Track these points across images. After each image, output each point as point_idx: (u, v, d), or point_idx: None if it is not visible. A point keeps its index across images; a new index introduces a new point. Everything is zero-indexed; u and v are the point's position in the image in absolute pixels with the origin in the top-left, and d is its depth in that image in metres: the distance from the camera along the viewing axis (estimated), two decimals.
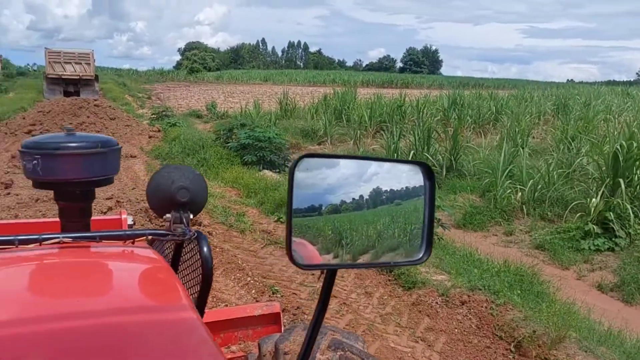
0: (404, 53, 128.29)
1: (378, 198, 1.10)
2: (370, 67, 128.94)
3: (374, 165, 1.14)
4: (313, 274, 5.41)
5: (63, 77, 26.02)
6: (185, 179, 1.48)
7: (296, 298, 4.85)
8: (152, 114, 21.52)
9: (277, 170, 10.72)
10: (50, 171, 1.44)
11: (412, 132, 13.86)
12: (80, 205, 1.54)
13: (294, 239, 0.99)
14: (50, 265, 1.28)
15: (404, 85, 56.84)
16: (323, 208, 1.04)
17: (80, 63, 26.35)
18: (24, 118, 17.79)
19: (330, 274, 1.09)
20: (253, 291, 4.89)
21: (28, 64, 65.18)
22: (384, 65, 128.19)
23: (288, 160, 11.63)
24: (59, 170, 1.45)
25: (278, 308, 2.54)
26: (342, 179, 1.10)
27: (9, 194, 7.97)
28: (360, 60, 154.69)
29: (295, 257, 0.98)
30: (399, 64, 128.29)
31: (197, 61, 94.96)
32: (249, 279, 5.11)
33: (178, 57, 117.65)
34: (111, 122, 17.94)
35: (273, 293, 4.86)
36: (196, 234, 1.45)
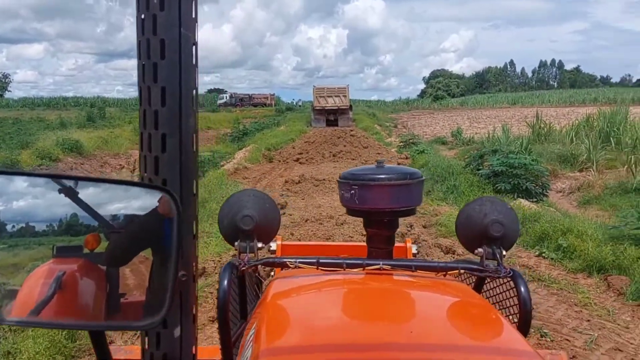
0: None
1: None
2: None
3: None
4: (588, 321, 4.73)
5: (326, 108, 30.91)
6: (499, 212, 1.40)
7: (569, 345, 4.28)
8: (400, 142, 22.43)
9: (534, 199, 9.87)
10: (364, 200, 1.52)
11: None
12: (386, 233, 1.59)
13: None
14: (379, 290, 1.34)
15: None
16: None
17: (339, 96, 31.11)
18: (293, 147, 20.43)
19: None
20: None
21: (293, 100, 75.61)
22: None
23: (547, 188, 10.64)
24: (372, 199, 1.52)
25: (565, 358, 2.23)
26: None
27: (284, 214, 9.12)
28: (629, 75, 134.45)
29: None
30: None
31: (441, 88, 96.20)
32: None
33: (422, 86, 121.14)
34: (364, 150, 19.28)
35: (541, 336, 4.39)
36: (512, 272, 1.35)
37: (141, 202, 0.87)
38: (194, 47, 0.79)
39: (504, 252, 1.39)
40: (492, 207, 1.41)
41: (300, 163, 17.07)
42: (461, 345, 0.99)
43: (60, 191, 0.88)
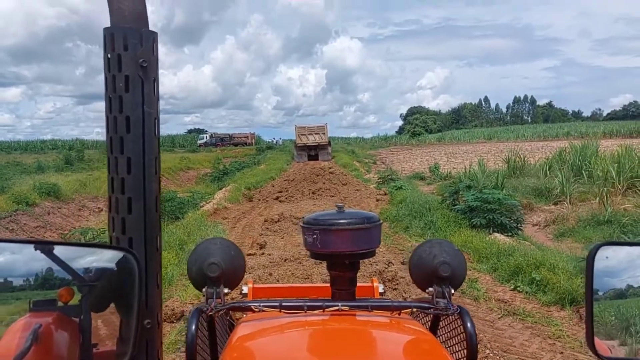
0: None
1: None
2: (614, 116, 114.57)
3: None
4: (562, 353, 4.82)
5: (307, 144, 34.96)
6: (446, 254, 1.52)
7: None
8: (378, 178, 22.72)
9: (509, 233, 10.07)
10: (326, 244, 1.62)
11: None
12: (349, 275, 1.68)
13: None
14: (336, 330, 1.43)
15: None
16: None
17: (319, 133, 35.08)
18: (273, 186, 20.54)
19: None
20: None
21: (274, 138, 76.28)
22: (630, 112, 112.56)
23: (521, 222, 10.86)
24: (333, 243, 1.62)
25: None
26: None
27: (263, 253, 9.15)
28: (599, 110, 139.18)
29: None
30: None
31: (418, 125, 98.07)
32: (487, 351, 4.81)
33: (400, 122, 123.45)
34: (343, 187, 19.47)
35: None
36: (459, 309, 1.46)
37: (108, 259, 0.97)
38: (155, 121, 0.91)
39: (453, 291, 1.50)
40: (440, 249, 1.53)
41: (280, 201, 17.14)
42: None
43: (36, 248, 0.98)
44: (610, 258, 0.93)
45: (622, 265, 1.00)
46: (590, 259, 0.89)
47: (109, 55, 0.88)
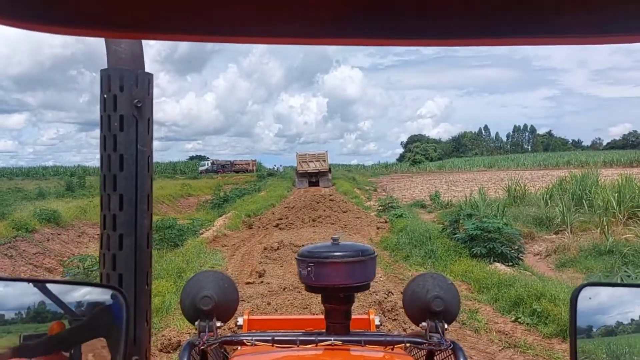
0: None
1: None
2: (613, 146, 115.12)
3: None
4: None
5: (308, 171, 36.60)
6: (440, 288, 1.52)
7: None
8: (379, 206, 22.69)
9: (510, 263, 9.99)
10: (320, 277, 1.62)
11: None
12: (343, 308, 1.68)
13: None
14: None
15: None
16: None
17: (319, 160, 36.93)
18: (273, 213, 20.51)
19: None
20: None
21: (275, 165, 76.78)
22: (629, 142, 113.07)
23: (522, 251, 10.79)
24: (328, 276, 1.62)
25: None
26: None
27: (262, 282, 9.08)
28: (599, 139, 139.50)
29: None
30: None
31: (419, 152, 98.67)
32: None
33: (401, 150, 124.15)
34: (343, 214, 19.43)
35: None
36: (452, 345, 1.45)
37: (99, 294, 0.98)
38: (148, 159, 0.93)
39: (446, 326, 1.49)
40: (433, 283, 1.53)
41: (279, 229, 17.08)
42: None
43: (29, 281, 0.99)
44: (593, 298, 0.94)
45: (611, 303, 1.01)
46: (574, 299, 0.90)
47: (105, 96, 0.91)
